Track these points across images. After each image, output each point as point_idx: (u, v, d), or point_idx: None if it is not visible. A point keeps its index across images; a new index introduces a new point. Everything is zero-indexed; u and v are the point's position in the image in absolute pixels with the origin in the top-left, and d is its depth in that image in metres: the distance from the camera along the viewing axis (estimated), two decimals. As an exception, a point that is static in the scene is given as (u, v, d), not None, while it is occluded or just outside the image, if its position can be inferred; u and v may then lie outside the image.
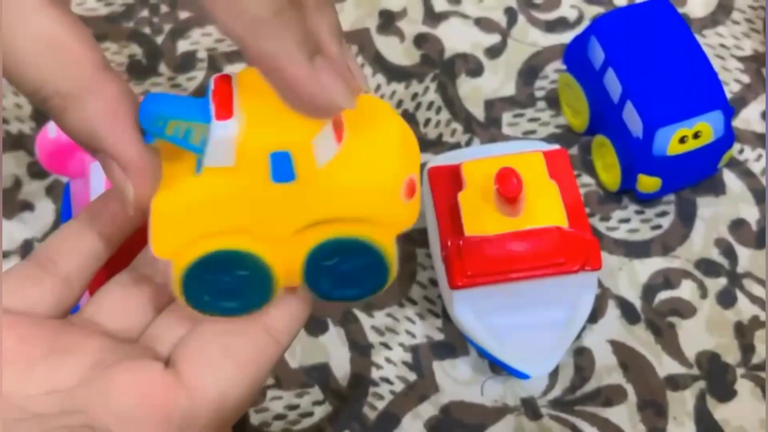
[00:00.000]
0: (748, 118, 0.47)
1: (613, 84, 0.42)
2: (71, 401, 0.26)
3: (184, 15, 0.51)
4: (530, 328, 0.38)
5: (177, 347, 0.28)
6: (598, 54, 0.43)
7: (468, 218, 0.38)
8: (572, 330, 0.39)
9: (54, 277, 0.29)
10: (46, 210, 0.45)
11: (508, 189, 0.37)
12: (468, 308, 0.38)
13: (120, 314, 0.29)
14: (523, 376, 0.38)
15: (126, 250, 0.33)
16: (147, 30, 0.51)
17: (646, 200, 0.44)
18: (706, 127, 0.41)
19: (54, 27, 0.25)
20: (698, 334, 0.41)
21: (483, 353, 0.40)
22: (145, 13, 0.51)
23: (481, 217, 0.38)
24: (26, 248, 0.44)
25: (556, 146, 0.41)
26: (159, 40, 0.50)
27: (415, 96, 0.48)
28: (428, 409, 0.40)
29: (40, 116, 0.48)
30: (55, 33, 0.25)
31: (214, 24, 0.25)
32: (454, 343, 0.41)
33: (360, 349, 0.41)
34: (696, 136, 0.41)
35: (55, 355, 0.27)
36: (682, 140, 0.41)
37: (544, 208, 0.38)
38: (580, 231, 0.38)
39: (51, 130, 0.41)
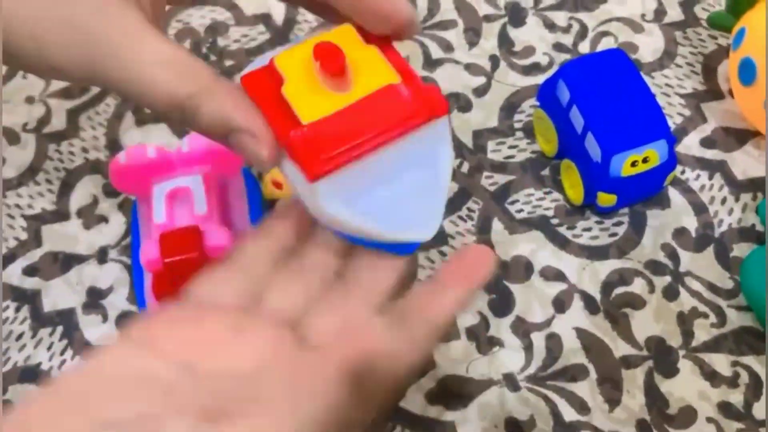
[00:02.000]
0: (689, 145, 0.47)
1: (576, 118, 0.42)
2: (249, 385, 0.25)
3: (229, 63, 0.51)
4: (401, 197, 0.29)
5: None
6: (564, 94, 0.43)
7: (300, 108, 0.28)
8: (441, 185, 0.30)
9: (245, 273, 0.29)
10: (118, 223, 0.46)
11: (331, 61, 0.28)
12: (335, 199, 0.28)
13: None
14: (411, 248, 0.31)
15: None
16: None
17: (604, 213, 0.45)
18: (653, 153, 0.41)
19: (172, 49, 0.27)
20: (647, 322, 0.41)
21: (359, 241, 0.30)
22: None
23: (313, 102, 0.28)
24: (101, 253, 0.45)
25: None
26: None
27: (416, 128, 0.48)
28: (428, 383, 0.40)
29: (113, 146, 0.49)
30: (175, 53, 0.27)
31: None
32: (447, 330, 0.42)
33: (372, 334, 0.42)
34: (645, 160, 0.41)
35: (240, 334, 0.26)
36: (633, 164, 0.41)
37: (371, 72, 0.29)
38: (415, 84, 0.29)
39: (121, 157, 0.42)
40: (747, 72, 0.44)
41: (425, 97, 0.29)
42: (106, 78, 0.27)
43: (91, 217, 0.46)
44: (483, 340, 0.41)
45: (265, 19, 0.53)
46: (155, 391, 0.24)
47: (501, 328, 0.42)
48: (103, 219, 0.46)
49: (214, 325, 0.27)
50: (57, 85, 0.51)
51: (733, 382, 0.40)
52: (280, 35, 0.52)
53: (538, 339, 0.41)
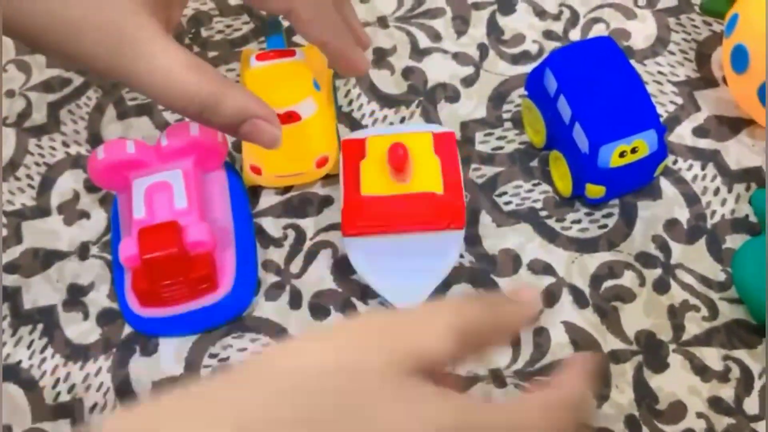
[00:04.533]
0: (681, 134, 0.47)
1: (564, 108, 0.43)
2: None
3: (212, 54, 0.52)
4: (408, 271, 0.41)
5: None
6: (552, 83, 0.43)
7: (365, 181, 0.41)
8: (440, 274, 0.42)
9: None
10: (99, 218, 0.46)
11: (396, 159, 0.40)
12: (359, 254, 0.41)
13: None
14: None
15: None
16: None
17: (594, 204, 0.45)
18: (642, 144, 0.42)
19: (190, 55, 0.34)
20: (637, 316, 0.42)
21: (371, 289, 0.42)
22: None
23: (376, 181, 0.41)
24: (83, 249, 0.46)
25: (446, 129, 0.44)
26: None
27: (403, 120, 0.48)
28: (412, 380, 0.41)
29: (95, 140, 0.49)
30: (194, 59, 0.34)
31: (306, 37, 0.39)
32: (434, 324, 0.42)
33: (357, 330, 0.43)
34: (633, 151, 0.42)
35: None
36: (621, 155, 0.42)
37: (426, 177, 0.41)
38: (451, 198, 0.41)
39: (99, 152, 0.42)
40: (740, 59, 0.44)
41: (453, 210, 0.41)
42: (130, 75, 0.33)
43: (72, 212, 0.47)
44: (469, 336, 0.42)
45: (248, 9, 0.53)
46: None
47: (488, 322, 0.42)
48: (85, 214, 0.47)
49: None
50: (37, 78, 0.51)
51: (723, 376, 0.40)
52: (265, 25, 0.53)
53: (526, 334, 0.42)
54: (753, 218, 0.44)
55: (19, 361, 0.43)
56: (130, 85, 0.34)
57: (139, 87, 0.33)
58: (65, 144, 0.49)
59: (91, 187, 0.48)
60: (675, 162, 0.46)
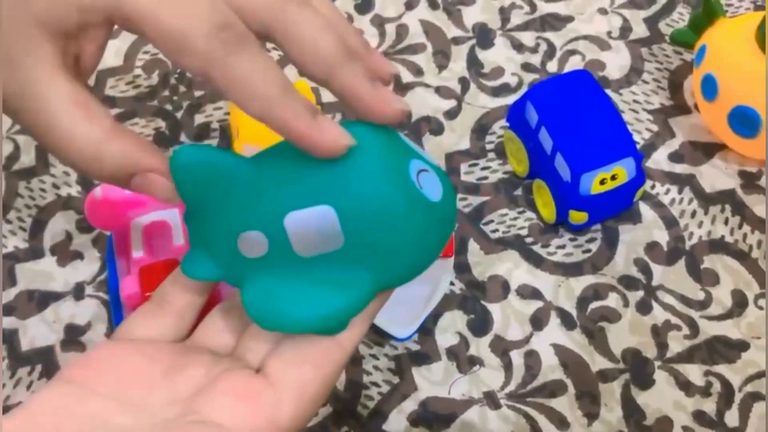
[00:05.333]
0: (658, 160, 0.51)
1: (545, 139, 0.46)
2: (188, 406, 0.28)
3: (198, 93, 0.55)
4: (400, 300, 0.41)
5: (264, 357, 0.30)
6: (533, 115, 0.47)
7: None
8: (432, 302, 0.45)
9: (170, 312, 0.33)
10: (93, 258, 0.49)
11: None
12: None
13: (220, 335, 0.33)
14: (395, 338, 0.44)
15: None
16: (169, 107, 0.55)
17: (577, 230, 0.48)
18: (621, 171, 0.45)
19: (80, 92, 0.29)
20: (623, 335, 0.45)
21: None
22: (166, 93, 0.55)
23: None
24: (78, 290, 0.48)
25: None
26: (179, 115, 0.54)
27: (389, 152, 0.52)
28: (410, 405, 0.43)
29: (86, 182, 0.52)
30: (84, 96, 0.29)
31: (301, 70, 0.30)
32: (428, 352, 0.45)
33: (353, 360, 0.45)
34: (613, 178, 0.45)
35: (174, 371, 0.30)
36: (602, 182, 0.45)
37: None
38: None
39: (97, 192, 0.44)
40: (709, 88, 0.48)
41: None
42: (15, 111, 0.29)
43: (65, 253, 0.49)
44: (463, 360, 0.45)
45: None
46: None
47: (480, 347, 0.45)
48: (78, 255, 0.49)
49: (152, 359, 0.30)
50: (25, 121, 0.54)
51: (705, 391, 0.44)
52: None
53: (517, 357, 0.45)
54: (729, 239, 0.48)
55: (19, 403, 0.45)
56: (24, 127, 0.29)
57: (30, 126, 0.29)
58: (55, 186, 0.52)
59: (83, 228, 0.50)
60: (653, 187, 0.50)
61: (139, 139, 0.30)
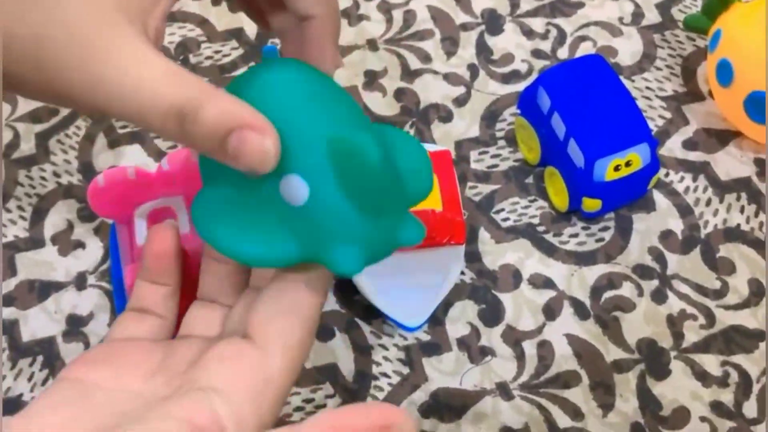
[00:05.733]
0: (671, 147, 0.51)
1: (558, 125, 0.46)
2: (184, 379, 0.30)
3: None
4: (410, 289, 0.44)
5: (247, 323, 0.31)
6: (545, 101, 0.47)
7: None
8: (443, 291, 0.44)
9: (150, 317, 0.35)
10: (95, 247, 0.49)
11: None
12: (362, 273, 0.41)
13: (204, 323, 0.34)
14: (405, 327, 0.44)
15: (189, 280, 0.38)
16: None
17: (590, 218, 0.48)
18: (635, 157, 0.45)
19: (168, 63, 0.29)
20: (637, 325, 0.45)
21: (377, 310, 0.45)
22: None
23: None
24: (80, 279, 0.48)
25: (441, 147, 0.46)
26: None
27: (397, 140, 0.52)
28: (420, 396, 0.43)
29: (86, 169, 0.52)
30: (171, 67, 0.29)
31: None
32: (439, 342, 0.45)
33: (362, 350, 0.45)
34: (628, 164, 0.45)
35: (169, 357, 0.31)
36: (616, 168, 0.45)
37: None
38: (450, 214, 0.44)
39: (100, 180, 0.44)
40: (724, 73, 0.48)
41: (452, 226, 0.43)
42: (96, 88, 0.29)
43: (66, 243, 0.49)
44: (475, 351, 0.45)
45: (237, 34, 0.56)
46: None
47: (492, 337, 0.45)
48: (80, 244, 0.49)
49: (148, 351, 0.32)
50: (24, 108, 0.54)
51: (723, 381, 0.44)
52: (254, 50, 0.56)
53: (530, 347, 0.45)
54: (745, 227, 0.48)
55: (20, 395, 0.45)
56: (96, 104, 0.30)
57: (106, 101, 0.29)
58: (56, 174, 0.51)
59: (84, 217, 0.50)
60: (667, 174, 0.50)
61: (235, 98, 0.29)
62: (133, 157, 0.52)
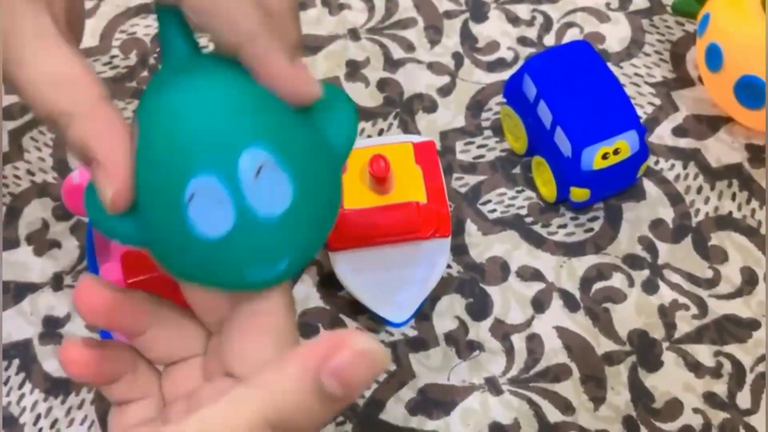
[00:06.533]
0: (661, 135, 0.51)
1: (544, 113, 0.46)
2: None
3: (179, 73, 0.55)
4: (396, 283, 0.44)
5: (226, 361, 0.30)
6: (531, 89, 0.47)
7: (347, 195, 0.44)
8: (428, 285, 0.44)
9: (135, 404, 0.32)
10: (71, 247, 0.48)
11: (377, 171, 0.43)
12: (346, 268, 0.44)
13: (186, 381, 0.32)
14: (391, 323, 0.44)
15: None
16: (148, 88, 0.54)
17: (579, 208, 0.48)
18: (623, 145, 0.45)
19: (63, 64, 0.29)
20: (628, 316, 0.45)
21: (360, 304, 0.44)
22: (145, 73, 0.55)
23: (358, 194, 0.45)
24: (56, 280, 0.48)
25: (425, 138, 0.47)
26: (159, 96, 0.54)
27: (381, 132, 0.52)
28: (408, 393, 0.43)
29: (61, 166, 0.51)
30: (64, 69, 0.29)
31: (210, 36, 0.29)
32: (426, 337, 0.45)
33: (347, 347, 0.45)
34: (616, 152, 0.45)
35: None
36: (604, 156, 0.45)
37: (408, 187, 0.45)
38: (435, 206, 0.44)
39: (75, 177, 0.44)
40: (713, 58, 0.48)
41: (437, 218, 0.44)
42: (5, 73, 0.29)
43: (42, 242, 0.49)
44: (463, 345, 0.45)
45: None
46: None
47: (480, 331, 0.45)
48: (56, 244, 0.49)
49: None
50: (-4, 105, 0.54)
51: (716, 372, 0.44)
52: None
53: (519, 341, 0.45)
54: (737, 214, 0.48)
55: (-4, 399, 0.45)
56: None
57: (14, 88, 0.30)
58: (30, 172, 0.51)
59: (60, 215, 0.50)
60: (656, 162, 0.50)
61: (103, 126, 0.28)
62: (110, 154, 0.52)
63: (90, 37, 0.56)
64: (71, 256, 0.48)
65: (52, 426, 0.44)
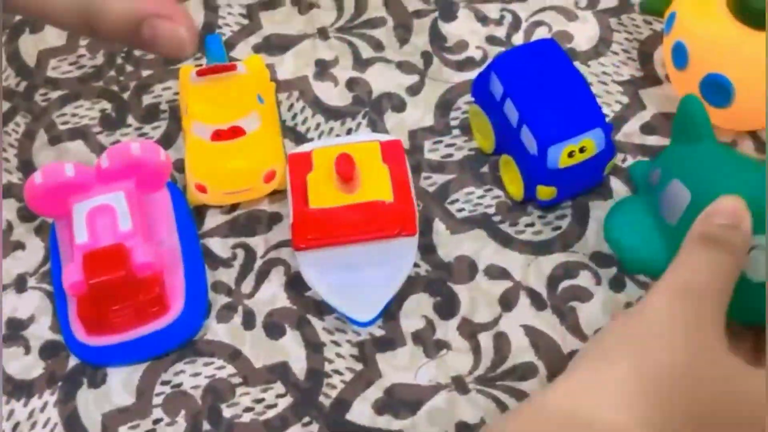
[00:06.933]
0: (629, 132, 0.51)
1: (511, 112, 0.46)
2: None
3: (146, 72, 0.55)
4: (362, 282, 0.44)
5: None
6: (497, 87, 0.47)
7: (313, 194, 0.45)
8: (395, 284, 0.45)
9: None
10: (36, 248, 0.49)
11: (344, 170, 0.43)
12: (311, 268, 0.45)
13: None
14: (357, 323, 0.44)
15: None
16: (115, 87, 0.54)
17: (546, 206, 0.48)
18: (589, 143, 0.45)
19: None
20: (595, 315, 0.45)
21: (326, 304, 0.45)
22: (112, 73, 0.55)
23: (324, 193, 0.45)
24: (20, 282, 0.48)
25: (392, 137, 0.47)
26: (126, 95, 0.54)
27: (349, 131, 0.52)
28: (374, 393, 0.44)
29: (26, 167, 0.51)
30: None
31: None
32: (393, 337, 0.45)
33: (314, 347, 0.45)
34: (582, 150, 0.45)
35: None
36: (570, 155, 0.45)
37: (374, 186, 0.45)
38: (401, 205, 0.44)
39: (37, 177, 0.44)
40: (679, 56, 0.49)
41: (403, 217, 0.44)
42: None
43: (6, 244, 0.49)
44: (430, 345, 0.45)
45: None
46: None
47: (448, 330, 0.45)
48: (20, 245, 0.49)
49: None
50: (-40, 105, 0.54)
51: (682, 368, 0.44)
52: (199, 41, 0.55)
53: (486, 339, 0.45)
54: (703, 212, 0.49)
55: (-42, 402, 0.44)
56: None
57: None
58: (-6, 173, 0.51)
59: (25, 216, 0.50)
60: (624, 160, 0.50)
61: None
62: (76, 154, 0.52)
63: (57, 37, 0.56)
64: (35, 257, 0.49)
65: (14, 429, 0.44)
